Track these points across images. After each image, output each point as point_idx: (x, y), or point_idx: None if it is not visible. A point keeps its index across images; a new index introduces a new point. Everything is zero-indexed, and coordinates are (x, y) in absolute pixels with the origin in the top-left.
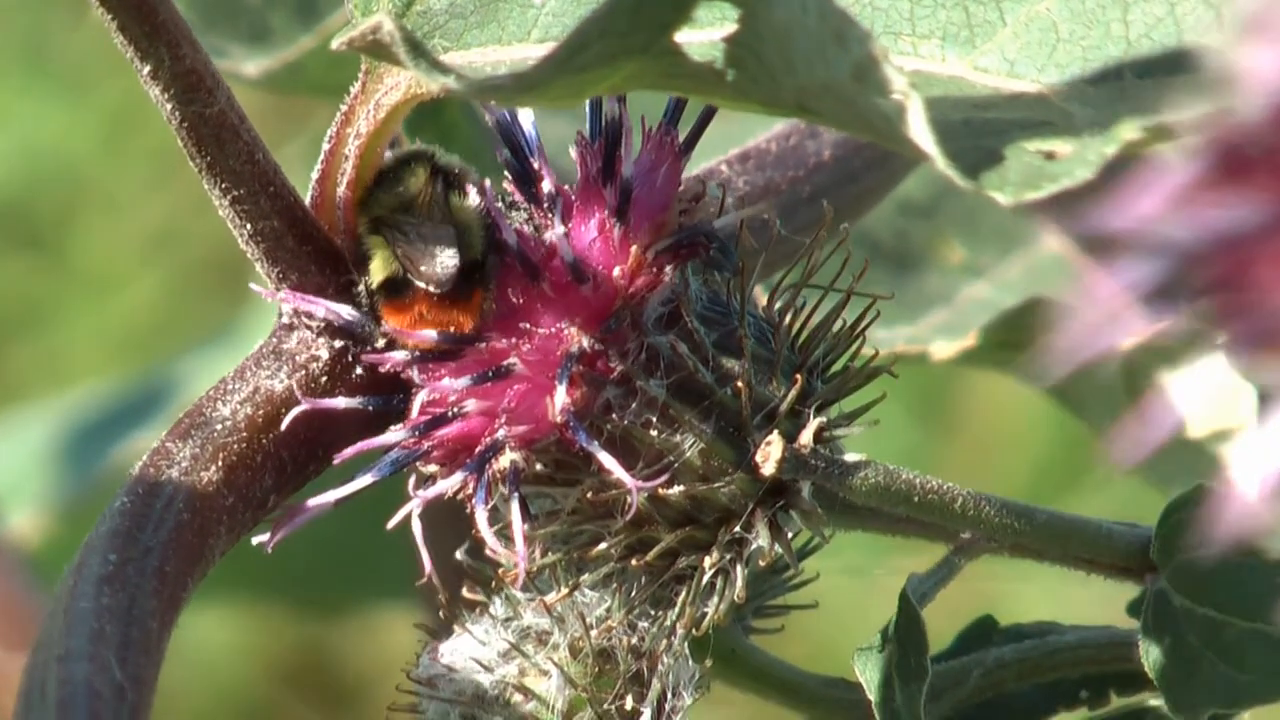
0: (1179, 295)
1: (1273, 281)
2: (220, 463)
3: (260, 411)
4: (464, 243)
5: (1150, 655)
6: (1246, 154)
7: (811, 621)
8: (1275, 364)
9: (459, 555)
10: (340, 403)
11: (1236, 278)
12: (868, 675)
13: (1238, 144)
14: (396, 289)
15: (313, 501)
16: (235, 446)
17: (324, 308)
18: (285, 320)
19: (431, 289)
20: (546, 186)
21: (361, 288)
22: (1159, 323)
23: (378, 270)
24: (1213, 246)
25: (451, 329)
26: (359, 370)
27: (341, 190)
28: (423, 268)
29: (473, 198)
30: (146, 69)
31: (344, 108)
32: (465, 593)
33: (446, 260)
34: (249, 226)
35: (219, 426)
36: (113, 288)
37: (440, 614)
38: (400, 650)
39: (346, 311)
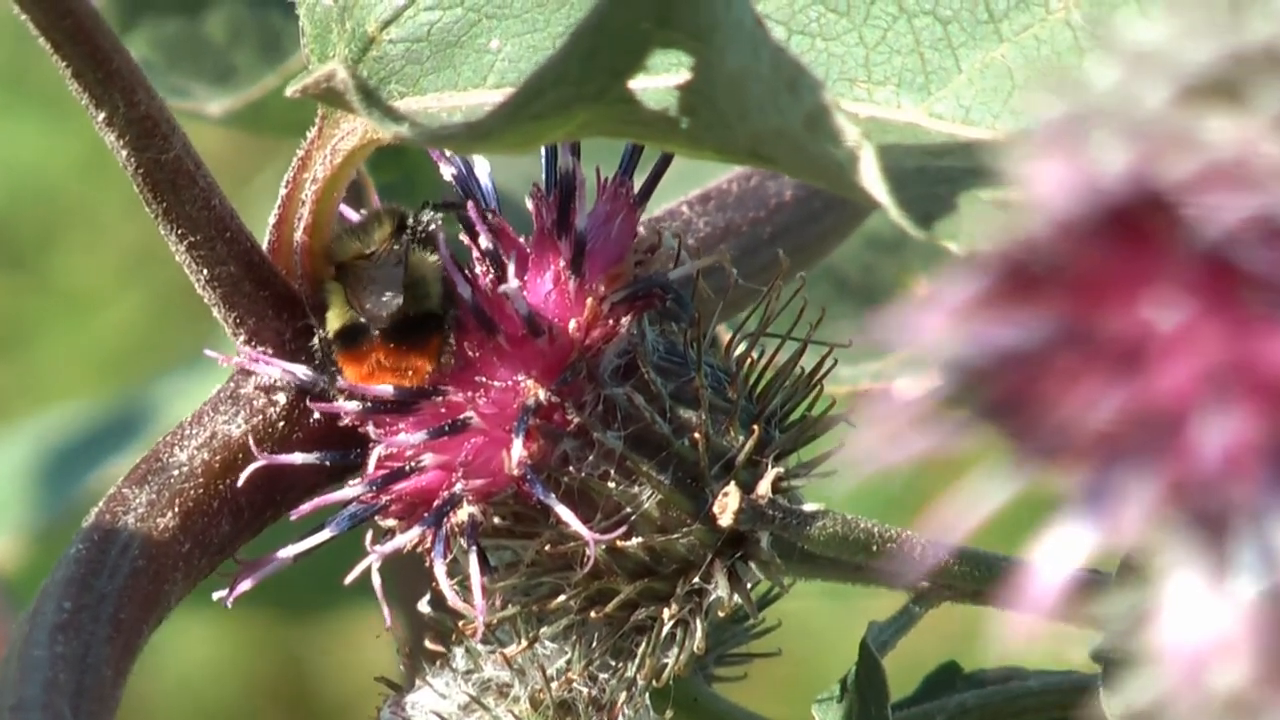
0: (965, 411)
1: (1056, 398)
2: (177, 509)
3: (217, 457)
4: (420, 291)
5: (1111, 703)
6: (1031, 270)
7: (793, 642)
8: (1062, 477)
9: (421, 606)
10: (297, 458)
11: (1021, 394)
12: None
13: (1023, 260)
14: (353, 337)
15: (272, 556)
16: (192, 492)
17: (279, 368)
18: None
19: (374, 327)
20: (486, 243)
21: (317, 339)
22: (946, 438)
23: (334, 318)
24: (996, 363)
25: (408, 373)
26: (316, 416)
27: (299, 235)
28: (366, 305)
29: (438, 252)
30: (101, 115)
31: (300, 153)
32: (427, 644)
33: (390, 299)
34: (205, 272)
35: (176, 472)
36: (92, 308)
37: (400, 667)
38: (382, 669)
39: (301, 371)
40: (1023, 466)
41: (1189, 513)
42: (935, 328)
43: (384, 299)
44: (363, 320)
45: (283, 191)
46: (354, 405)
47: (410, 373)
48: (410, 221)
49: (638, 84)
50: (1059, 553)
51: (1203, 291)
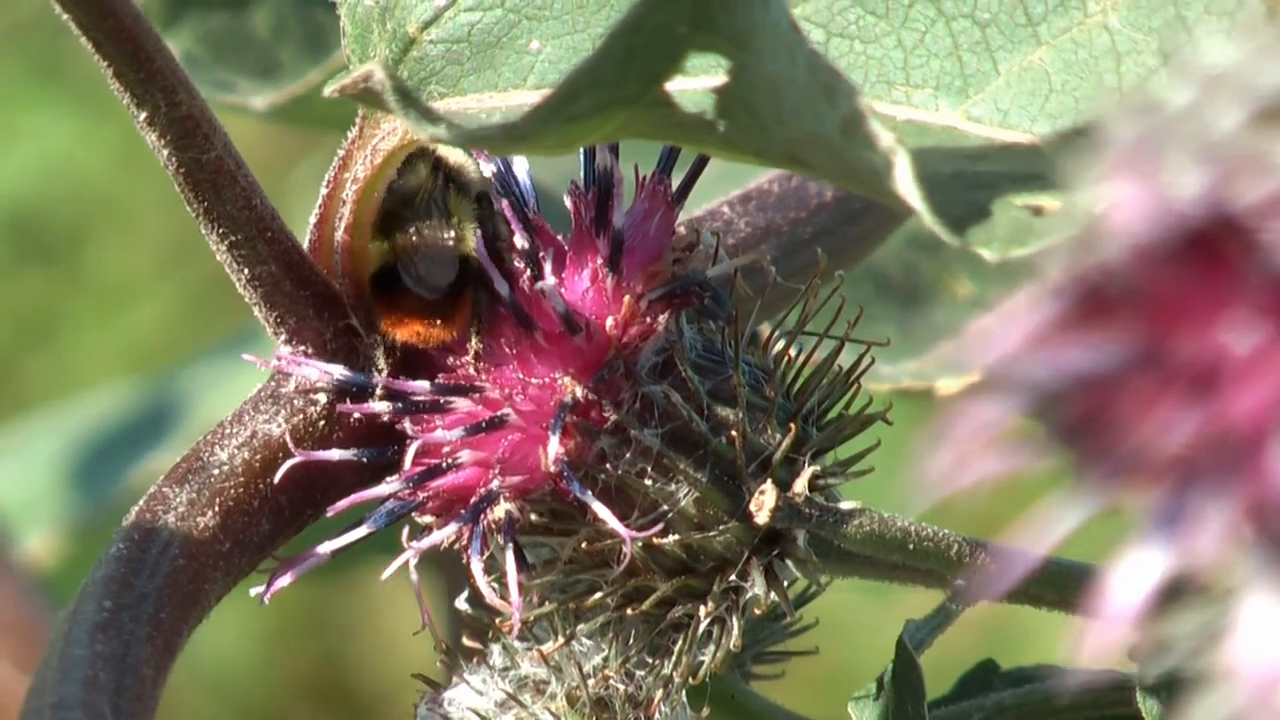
0: (1040, 434)
1: (1130, 421)
2: (217, 508)
3: (257, 456)
4: (459, 245)
5: (1147, 702)
6: (1107, 293)
7: (827, 640)
8: (1135, 499)
9: (458, 603)
10: (334, 455)
11: (1095, 417)
12: None
13: (1098, 283)
14: (388, 282)
15: (310, 552)
16: (232, 492)
17: (317, 369)
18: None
19: (423, 293)
20: (523, 241)
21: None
22: (1021, 460)
23: (372, 262)
24: (1071, 386)
25: (438, 323)
26: (356, 415)
27: (339, 235)
28: (421, 273)
29: (470, 201)
30: (143, 115)
31: (341, 153)
32: (465, 641)
33: (443, 271)
34: (246, 271)
35: (216, 471)
36: (126, 302)
37: (438, 663)
38: (418, 665)
39: (339, 371)
40: (1098, 489)
41: (1264, 534)
42: (1012, 350)
43: (437, 270)
44: (399, 269)
45: (323, 191)
46: (388, 405)
47: (440, 322)
48: (444, 164)
49: (675, 86)
50: (1135, 575)
51: (1277, 314)
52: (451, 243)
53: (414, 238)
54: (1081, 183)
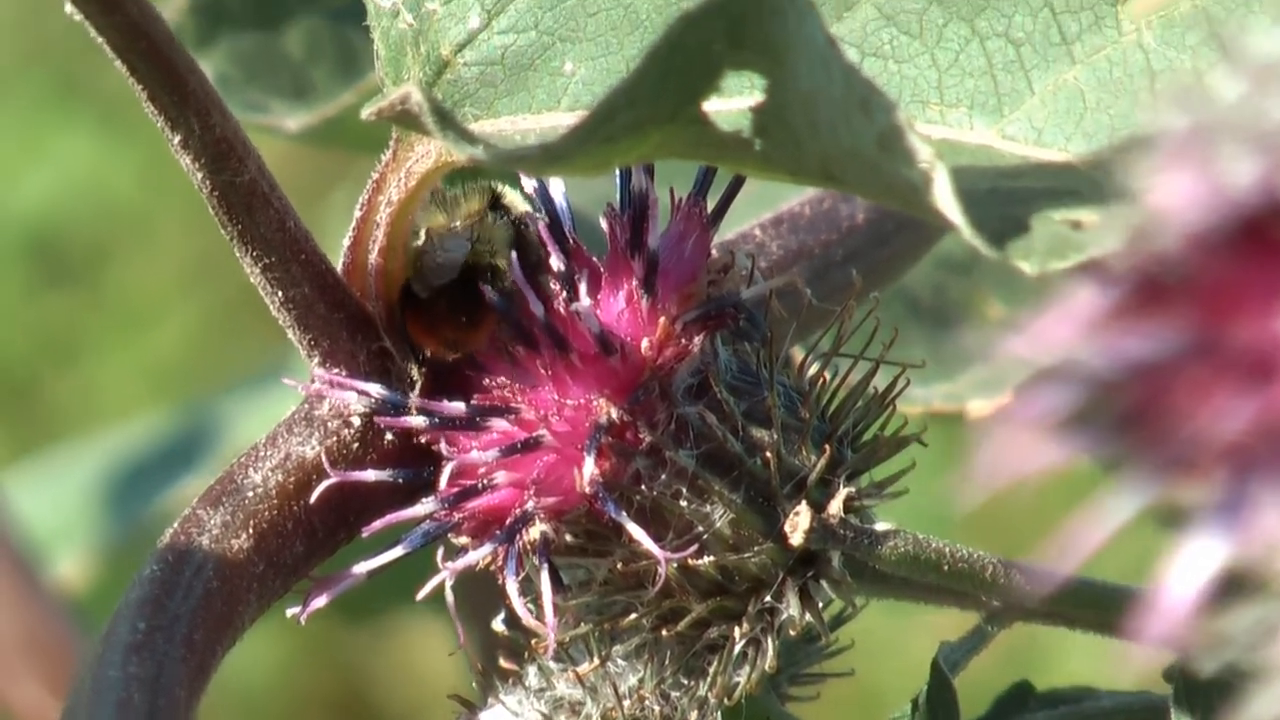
0: (1095, 423)
1: (1186, 410)
2: (251, 530)
3: (291, 479)
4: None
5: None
6: (1162, 282)
7: (855, 661)
8: (1191, 490)
9: (495, 625)
10: (369, 475)
11: (1151, 406)
12: None
13: (1153, 272)
14: (415, 292)
15: (346, 572)
16: (266, 514)
17: (354, 391)
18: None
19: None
20: (559, 262)
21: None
22: (1075, 450)
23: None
24: (1127, 375)
25: (459, 332)
26: (390, 436)
27: (373, 257)
28: (426, 271)
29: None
30: (177, 138)
31: (375, 175)
32: (501, 662)
33: (446, 272)
34: (280, 294)
35: (250, 494)
36: (149, 323)
37: (473, 684)
38: (444, 681)
39: (375, 389)
40: (1154, 478)
41: None
42: (1066, 339)
43: (441, 266)
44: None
45: (357, 214)
46: (423, 420)
47: (460, 334)
48: (502, 201)
49: (711, 106)
50: (1192, 565)
51: None
52: (458, 234)
53: (419, 239)
54: (1133, 181)
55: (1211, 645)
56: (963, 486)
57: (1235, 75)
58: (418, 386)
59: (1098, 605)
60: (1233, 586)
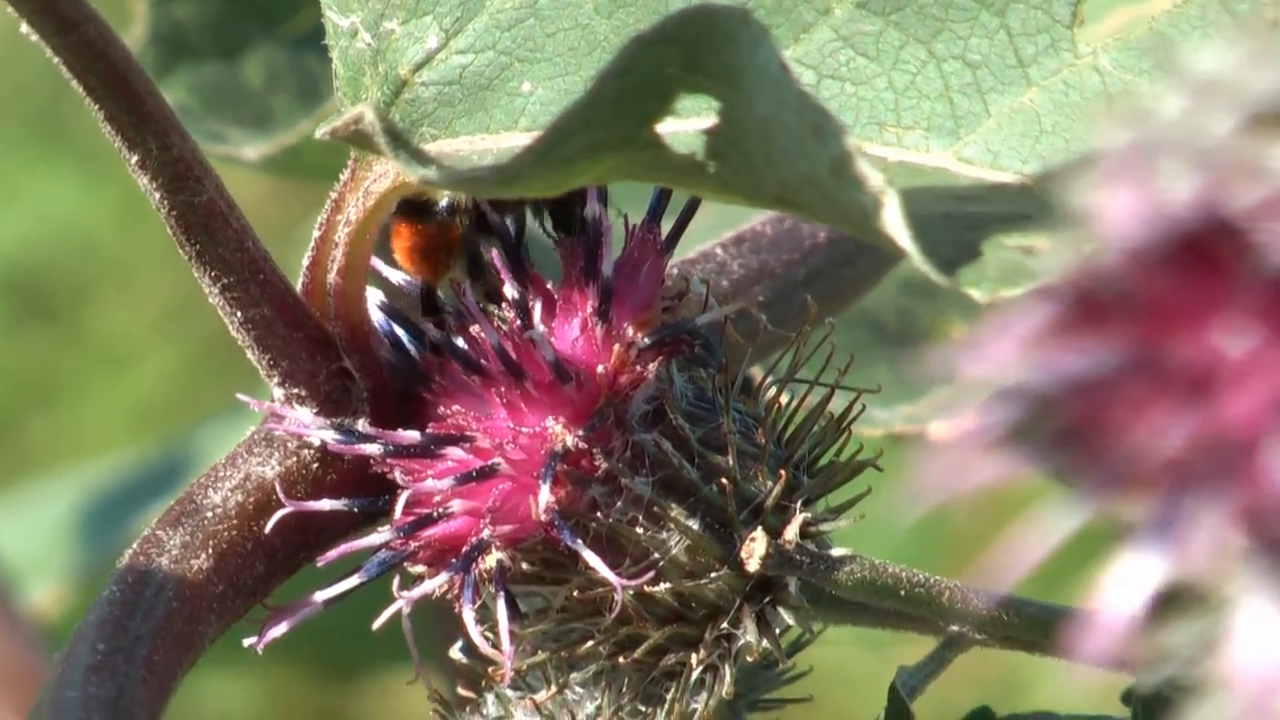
0: (1035, 439)
1: (1125, 425)
2: (210, 550)
3: (251, 499)
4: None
5: None
6: (1101, 298)
7: (830, 691)
8: (1130, 505)
9: (452, 653)
10: (325, 504)
11: (1090, 422)
12: None
13: (1093, 288)
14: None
15: (305, 600)
16: (226, 534)
17: (302, 420)
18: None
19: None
20: (513, 290)
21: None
22: (1016, 466)
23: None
24: (1066, 391)
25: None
26: (349, 457)
27: (332, 277)
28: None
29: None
30: (134, 158)
31: (334, 195)
32: (459, 690)
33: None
34: (239, 314)
35: (210, 514)
36: (129, 361)
37: (431, 713)
38: (414, 713)
39: (326, 435)
40: (1093, 494)
41: (1259, 540)
42: (1005, 355)
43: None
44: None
45: (316, 234)
46: (378, 448)
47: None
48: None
49: (666, 128)
50: (1129, 582)
51: (1272, 318)
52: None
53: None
54: (1075, 199)
55: (1151, 661)
56: (905, 503)
57: (1176, 92)
58: (367, 413)
59: (1054, 630)
60: (1172, 601)
